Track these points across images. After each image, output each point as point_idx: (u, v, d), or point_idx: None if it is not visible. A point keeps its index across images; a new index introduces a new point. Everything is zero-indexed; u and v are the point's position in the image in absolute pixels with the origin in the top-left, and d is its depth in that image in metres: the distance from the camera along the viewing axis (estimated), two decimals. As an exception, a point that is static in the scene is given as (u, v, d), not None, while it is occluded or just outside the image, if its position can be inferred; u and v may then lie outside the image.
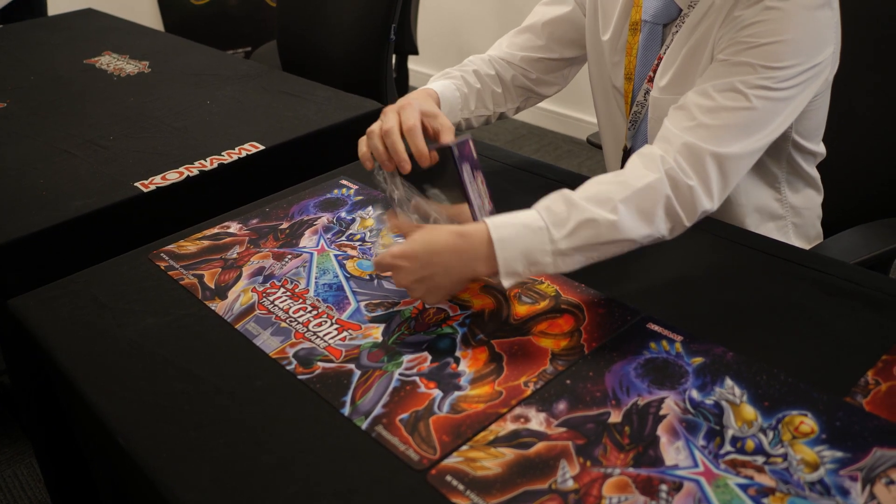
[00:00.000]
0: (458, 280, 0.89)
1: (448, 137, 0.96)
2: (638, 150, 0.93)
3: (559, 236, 0.85)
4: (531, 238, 0.85)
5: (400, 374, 0.83)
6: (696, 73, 1.02)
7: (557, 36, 1.21)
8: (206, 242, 1.12)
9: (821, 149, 1.13)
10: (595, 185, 0.89)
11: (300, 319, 0.93)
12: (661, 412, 0.75)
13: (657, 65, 1.08)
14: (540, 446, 0.73)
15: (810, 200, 1.18)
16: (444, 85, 1.14)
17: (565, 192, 0.88)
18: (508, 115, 1.26)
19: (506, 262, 0.85)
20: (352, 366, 0.85)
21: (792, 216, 1.16)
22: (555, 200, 0.87)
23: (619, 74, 1.14)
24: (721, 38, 0.97)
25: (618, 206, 0.86)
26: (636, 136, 1.16)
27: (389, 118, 0.97)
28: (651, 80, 1.09)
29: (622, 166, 1.20)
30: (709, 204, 0.90)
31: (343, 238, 1.09)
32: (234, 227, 1.15)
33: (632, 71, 1.12)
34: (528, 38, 1.22)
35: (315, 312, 0.94)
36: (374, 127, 0.99)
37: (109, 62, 1.98)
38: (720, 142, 0.90)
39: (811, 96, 0.98)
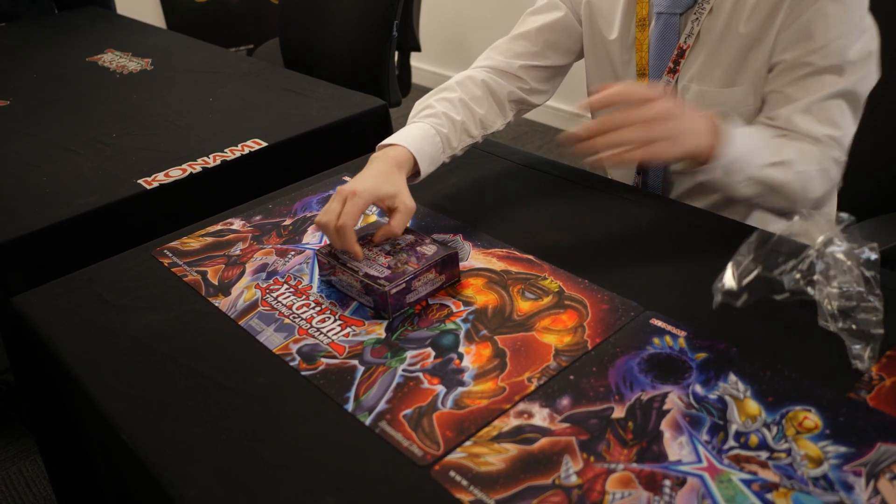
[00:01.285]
0: (694, 133, 0.89)
1: (398, 220, 0.96)
2: (803, 145, 0.98)
3: (765, 162, 0.93)
4: (751, 148, 0.91)
5: (403, 370, 0.83)
6: (752, 69, 1.03)
7: (552, 42, 1.20)
8: (209, 239, 1.12)
9: None
10: (793, 146, 0.97)
11: (304, 315, 0.93)
12: (665, 407, 0.75)
13: (677, 54, 1.07)
14: (543, 442, 0.73)
15: None
16: (422, 133, 1.06)
17: (770, 130, 0.97)
18: (499, 129, 1.19)
19: (722, 156, 0.90)
20: (355, 362, 0.85)
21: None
22: (762, 132, 0.95)
23: (631, 73, 1.14)
24: (783, 42, 0.98)
25: (812, 173, 0.96)
26: None
27: (331, 210, 0.95)
28: (671, 70, 1.08)
29: (638, 170, 1.20)
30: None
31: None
32: (237, 224, 1.15)
33: (645, 66, 1.11)
34: (523, 45, 1.20)
35: (318, 308, 0.94)
36: (321, 219, 0.95)
37: (112, 60, 1.98)
38: (843, 147, 1.00)
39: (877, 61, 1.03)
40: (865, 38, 0.98)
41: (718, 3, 1.02)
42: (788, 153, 0.95)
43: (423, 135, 1.06)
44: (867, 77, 0.99)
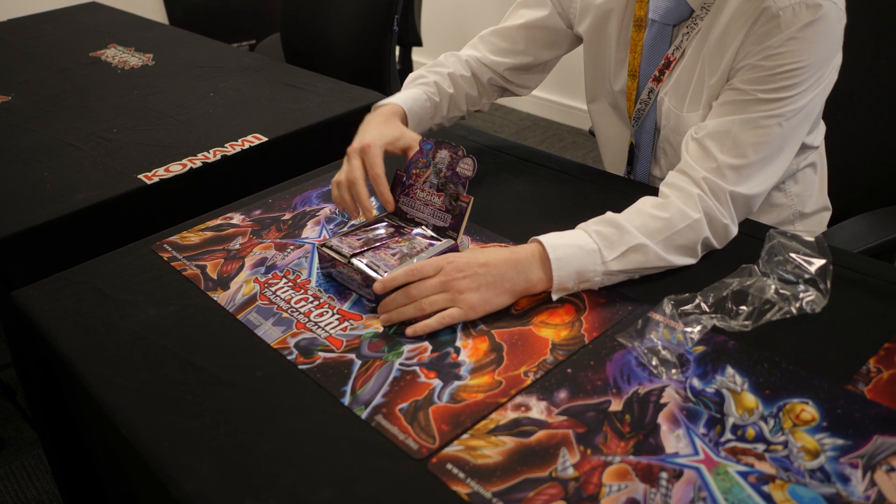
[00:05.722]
0: (510, 290, 0.89)
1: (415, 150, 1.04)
2: (673, 183, 0.96)
3: (610, 258, 0.90)
4: (585, 259, 0.89)
5: (400, 364, 0.83)
6: (707, 87, 1.01)
7: (533, 39, 1.21)
8: (208, 233, 1.12)
9: (817, 141, 1.14)
10: (640, 217, 0.93)
11: (302, 310, 0.93)
12: (662, 400, 0.75)
13: (663, 64, 1.06)
14: (540, 434, 0.73)
15: (810, 185, 1.18)
16: (413, 96, 1.16)
17: (612, 215, 0.93)
18: (483, 109, 1.29)
19: (560, 280, 0.89)
20: (352, 356, 0.85)
21: (798, 204, 1.17)
22: (604, 224, 0.92)
23: (623, 72, 1.13)
24: (740, 63, 0.96)
25: (663, 240, 0.92)
26: (640, 132, 1.15)
27: (354, 166, 1.02)
28: (656, 79, 1.08)
29: (629, 163, 1.20)
30: (735, 231, 0.98)
31: (345, 229, 1.09)
32: (236, 218, 1.15)
33: (636, 68, 1.10)
34: (505, 42, 1.23)
35: (316, 303, 0.94)
36: (340, 177, 1.04)
37: (115, 55, 1.98)
38: (746, 182, 0.95)
39: (821, 104, 1.01)
40: (818, 89, 0.95)
41: (709, 26, 1.00)
42: (640, 236, 0.90)
43: (415, 97, 1.17)
44: (809, 115, 0.97)
